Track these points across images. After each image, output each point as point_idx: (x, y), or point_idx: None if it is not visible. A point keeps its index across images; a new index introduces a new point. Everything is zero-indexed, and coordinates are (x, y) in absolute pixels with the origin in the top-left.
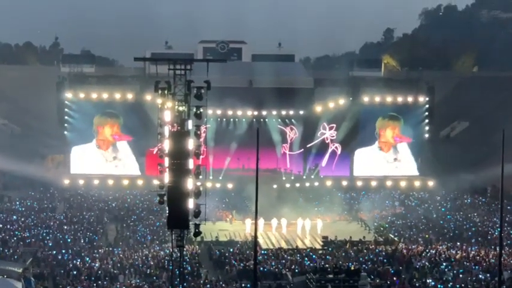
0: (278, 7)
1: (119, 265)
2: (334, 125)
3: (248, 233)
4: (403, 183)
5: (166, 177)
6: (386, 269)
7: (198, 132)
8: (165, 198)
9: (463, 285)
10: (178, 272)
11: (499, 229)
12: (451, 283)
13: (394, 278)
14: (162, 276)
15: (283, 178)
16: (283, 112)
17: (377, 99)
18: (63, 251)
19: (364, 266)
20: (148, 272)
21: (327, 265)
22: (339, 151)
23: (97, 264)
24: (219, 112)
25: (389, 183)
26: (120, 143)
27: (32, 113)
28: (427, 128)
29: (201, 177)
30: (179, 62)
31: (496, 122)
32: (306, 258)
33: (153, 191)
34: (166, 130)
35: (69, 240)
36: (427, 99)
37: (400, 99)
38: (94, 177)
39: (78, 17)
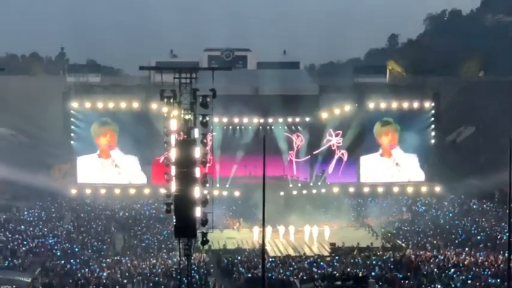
0: (282, 14)
1: (127, 274)
2: (340, 132)
3: (256, 240)
4: (410, 189)
5: (173, 186)
6: (394, 276)
7: (205, 140)
8: (172, 206)
9: None
10: (186, 281)
11: (507, 234)
12: None
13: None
14: (170, 285)
15: (290, 185)
16: (289, 119)
17: (382, 105)
18: (72, 260)
19: (372, 272)
20: (156, 280)
21: (335, 272)
22: (345, 157)
23: (105, 274)
24: (225, 120)
25: (396, 189)
26: (115, 153)
27: (38, 123)
28: (433, 133)
29: (207, 185)
30: (184, 70)
31: (502, 127)
32: (314, 265)
33: (160, 200)
34: (173, 139)
35: (77, 249)
36: (433, 104)
37: (405, 105)
38: (101, 186)
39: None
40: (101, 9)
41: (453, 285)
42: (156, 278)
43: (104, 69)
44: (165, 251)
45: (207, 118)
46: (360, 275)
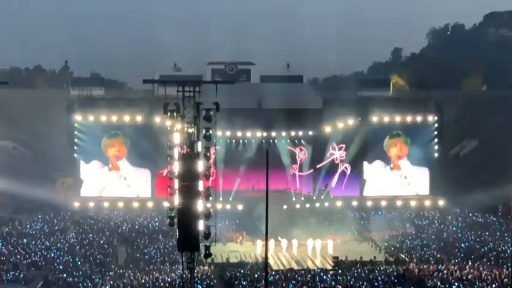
0: (286, 28)
1: (129, 287)
2: (344, 145)
3: (259, 254)
4: (413, 203)
5: (176, 199)
6: None
7: (208, 154)
8: (175, 220)
9: None
10: None
11: (511, 248)
12: None
13: None
14: None
15: (293, 199)
16: (293, 133)
17: (386, 119)
18: (74, 274)
19: (375, 286)
20: None
21: (338, 285)
22: (348, 171)
23: (108, 287)
24: (228, 134)
25: (399, 202)
26: (122, 163)
27: (42, 136)
28: (436, 147)
29: (211, 198)
30: (188, 83)
31: (505, 141)
32: (317, 279)
33: (163, 213)
34: (176, 152)
35: (79, 263)
36: (436, 118)
37: (409, 118)
38: (104, 199)
39: (88, 41)
40: (104, 22)
41: None
42: None
43: (108, 83)
44: (168, 264)
45: (211, 132)
46: None
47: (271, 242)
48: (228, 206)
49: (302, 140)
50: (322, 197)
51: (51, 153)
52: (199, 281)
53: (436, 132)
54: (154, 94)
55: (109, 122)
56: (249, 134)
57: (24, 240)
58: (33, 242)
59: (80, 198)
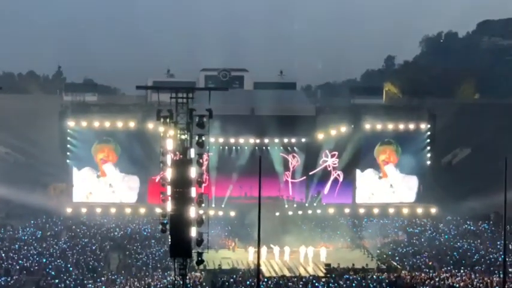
0: (279, 35)
1: None
2: (336, 153)
3: (251, 260)
4: (405, 210)
5: (169, 206)
6: None
7: (201, 160)
8: (168, 226)
9: None
10: None
11: (502, 256)
12: None
13: None
14: None
15: (286, 206)
16: (285, 140)
17: (378, 126)
18: (66, 279)
19: None
20: None
21: None
22: (341, 178)
23: None
24: (221, 140)
25: (391, 210)
26: (107, 167)
27: (34, 142)
28: (428, 155)
29: (203, 205)
30: (181, 90)
31: (497, 149)
32: (309, 286)
33: (156, 220)
34: (169, 158)
35: (71, 268)
36: (429, 126)
37: (401, 126)
38: (96, 205)
39: (81, 46)
40: (98, 28)
41: None
42: None
43: (101, 88)
44: (160, 270)
45: (203, 138)
46: None
47: (264, 249)
48: (221, 213)
49: (295, 147)
50: (315, 204)
51: (43, 159)
52: None
53: (428, 140)
54: (147, 100)
55: (102, 127)
56: (242, 140)
57: (16, 245)
58: (25, 248)
59: (72, 203)
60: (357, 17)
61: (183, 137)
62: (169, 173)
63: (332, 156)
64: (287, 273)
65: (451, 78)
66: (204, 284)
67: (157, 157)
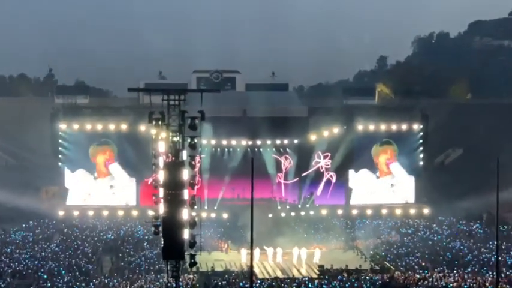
0: (271, 36)
1: None
2: (329, 154)
3: (244, 262)
4: (398, 211)
5: (161, 208)
6: None
7: (193, 162)
8: (160, 228)
9: None
10: None
11: (495, 256)
12: None
13: None
14: None
15: (279, 207)
16: (278, 141)
17: (371, 127)
18: (58, 282)
19: None
20: None
21: None
22: (333, 180)
23: None
24: (213, 142)
25: (384, 211)
26: (113, 167)
27: (26, 145)
28: (421, 155)
29: (196, 207)
30: (173, 92)
31: (490, 149)
32: (303, 287)
33: (148, 222)
34: (161, 161)
35: (64, 272)
36: (421, 126)
37: (394, 127)
38: (89, 208)
39: (72, 49)
40: (89, 31)
41: None
42: None
43: (93, 91)
44: (153, 272)
45: (196, 140)
46: None
47: (257, 251)
48: (213, 215)
49: (287, 149)
50: (308, 206)
51: (35, 162)
52: None
53: (421, 141)
54: (139, 102)
55: (94, 130)
56: (234, 142)
57: (8, 249)
58: (17, 251)
59: (65, 206)
60: (349, 18)
61: (175, 139)
62: (161, 175)
63: (325, 157)
64: (280, 275)
65: (443, 79)
66: (197, 286)
67: (150, 159)
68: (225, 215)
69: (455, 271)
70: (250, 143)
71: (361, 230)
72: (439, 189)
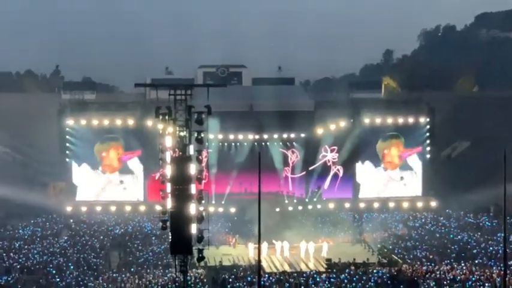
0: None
1: None
2: (336, 147)
3: (251, 256)
4: (405, 204)
5: (169, 203)
6: None
7: (200, 157)
8: (168, 223)
9: None
10: None
11: (502, 248)
12: None
13: None
14: None
15: (286, 201)
16: (285, 135)
17: (378, 120)
18: (67, 278)
19: None
20: None
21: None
22: (340, 173)
23: None
24: (220, 137)
25: (392, 204)
26: (131, 162)
27: (33, 141)
28: (428, 148)
29: (203, 202)
30: (179, 87)
31: (497, 141)
32: (311, 281)
33: (156, 217)
34: (168, 156)
35: (72, 267)
36: (428, 119)
37: (400, 120)
38: (96, 203)
39: (79, 44)
40: (96, 26)
41: None
42: None
43: (99, 87)
44: (160, 267)
45: (202, 135)
46: None
47: (264, 245)
48: (221, 209)
49: (294, 142)
50: (315, 199)
51: (42, 158)
52: (192, 285)
53: (428, 134)
54: (146, 98)
55: (101, 126)
56: (241, 136)
57: (17, 244)
58: (26, 247)
59: (72, 202)
60: (355, 12)
61: (182, 133)
62: (168, 170)
63: (331, 151)
64: (288, 269)
65: (449, 72)
66: (205, 280)
67: (157, 154)
68: (233, 210)
69: (462, 264)
70: (257, 137)
71: (368, 224)
72: (446, 182)
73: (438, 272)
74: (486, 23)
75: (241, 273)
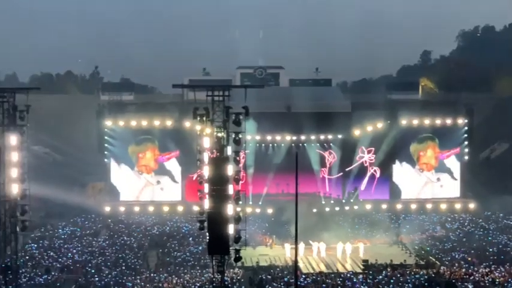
0: (314, 32)
1: None
2: (373, 149)
3: (288, 257)
4: (443, 206)
5: (206, 203)
6: None
7: (237, 158)
8: (206, 224)
9: None
10: None
11: None
12: None
13: None
14: None
15: (323, 202)
16: (322, 136)
17: (415, 122)
18: (105, 277)
19: None
20: None
21: None
22: (378, 174)
23: None
24: (257, 138)
25: (429, 205)
26: (168, 163)
27: (73, 141)
28: (466, 150)
29: (240, 202)
30: (217, 88)
31: None
32: (347, 282)
33: (193, 217)
34: (206, 156)
35: (111, 266)
36: (466, 121)
37: (438, 121)
38: (135, 204)
39: (117, 46)
40: (134, 28)
41: None
42: None
43: (138, 88)
44: (198, 268)
45: (240, 136)
46: None
47: (301, 246)
48: (258, 210)
49: (331, 144)
50: (352, 200)
51: (82, 158)
52: (229, 285)
53: (466, 135)
54: (183, 99)
55: (139, 126)
56: (278, 138)
57: (56, 244)
58: (65, 246)
59: (111, 202)
60: (392, 13)
61: (219, 134)
62: (206, 171)
63: (368, 152)
64: (324, 270)
65: (488, 73)
66: (242, 281)
67: (195, 155)
68: (270, 210)
69: (501, 267)
70: (294, 138)
71: (405, 225)
72: (484, 183)
73: (477, 275)
74: None
75: (278, 274)
